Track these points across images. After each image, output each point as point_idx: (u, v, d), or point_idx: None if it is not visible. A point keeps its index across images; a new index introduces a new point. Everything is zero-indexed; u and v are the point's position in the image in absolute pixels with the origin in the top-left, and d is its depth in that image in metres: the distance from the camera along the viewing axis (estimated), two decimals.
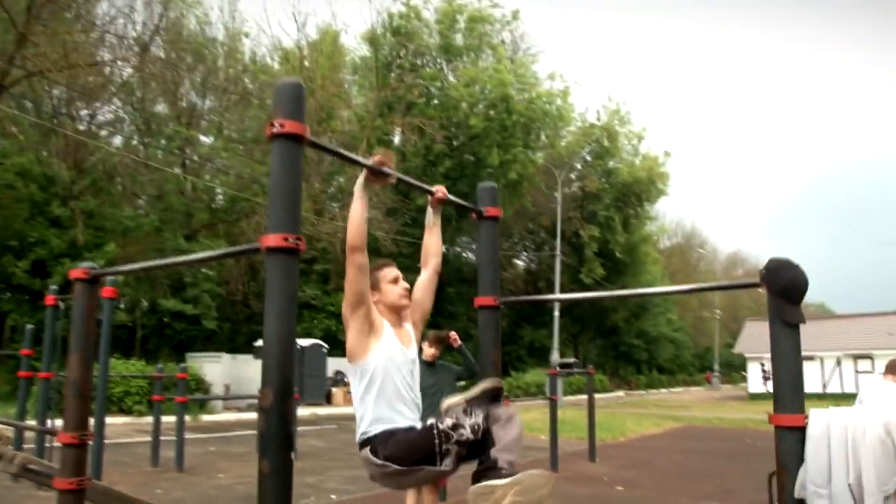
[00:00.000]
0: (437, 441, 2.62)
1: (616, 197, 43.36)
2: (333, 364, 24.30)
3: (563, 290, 33.61)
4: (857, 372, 32.57)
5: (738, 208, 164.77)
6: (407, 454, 2.64)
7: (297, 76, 26.32)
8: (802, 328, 2.72)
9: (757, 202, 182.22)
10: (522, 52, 40.84)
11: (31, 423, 9.76)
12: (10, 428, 8.87)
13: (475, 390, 2.95)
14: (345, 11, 45.56)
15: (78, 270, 3.24)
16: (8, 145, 21.67)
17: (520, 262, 46.75)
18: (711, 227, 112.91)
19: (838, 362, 33.31)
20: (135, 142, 28.49)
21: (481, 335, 3.44)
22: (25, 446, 8.80)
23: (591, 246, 40.81)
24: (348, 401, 23.39)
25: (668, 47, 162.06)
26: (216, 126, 30.45)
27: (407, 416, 2.79)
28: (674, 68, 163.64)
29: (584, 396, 14.15)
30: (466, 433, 2.64)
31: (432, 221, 3.28)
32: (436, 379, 5.76)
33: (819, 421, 2.56)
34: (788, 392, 2.68)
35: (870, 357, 32.21)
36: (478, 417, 2.69)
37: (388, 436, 2.70)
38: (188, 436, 10.84)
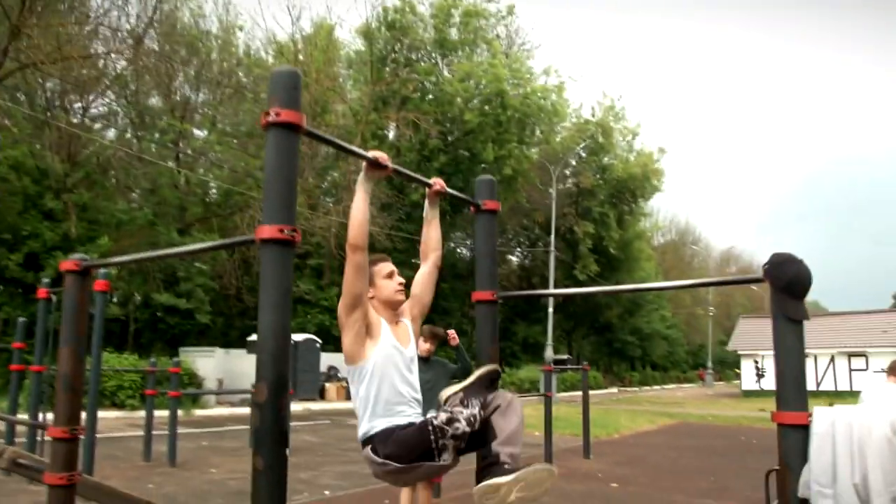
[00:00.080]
0: (432, 437, 2.59)
1: (610, 193, 43.39)
2: (327, 359, 24.24)
3: (557, 287, 33.59)
4: (851, 370, 32.64)
5: (733, 205, 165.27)
6: (405, 451, 2.63)
7: None
8: None
9: (751, 199, 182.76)
10: (517, 47, 40.86)
11: (23, 416, 9.70)
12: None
13: (471, 378, 2.95)
14: (339, 5, 45.62)
15: (69, 262, 3.19)
16: (1, 138, 21.53)
17: (514, 258, 46.76)
18: (705, 224, 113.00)
19: (832, 360, 33.37)
20: (128, 135, 28.34)
21: (479, 330, 3.40)
22: (17, 440, 8.76)
23: (586, 242, 40.80)
24: (342, 396, 23.38)
25: (662, 43, 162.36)
26: (210, 120, 30.34)
27: (407, 413, 2.78)
28: (668, 65, 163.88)
29: (577, 393, 14.16)
30: (462, 426, 2.60)
31: (430, 215, 3.25)
32: (430, 375, 5.72)
33: (823, 419, 2.51)
34: (792, 389, 2.63)
35: (864, 355, 32.30)
36: (474, 408, 2.65)
37: (388, 434, 2.69)
38: (181, 430, 10.80)
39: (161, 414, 11.56)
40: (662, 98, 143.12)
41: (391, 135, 32.97)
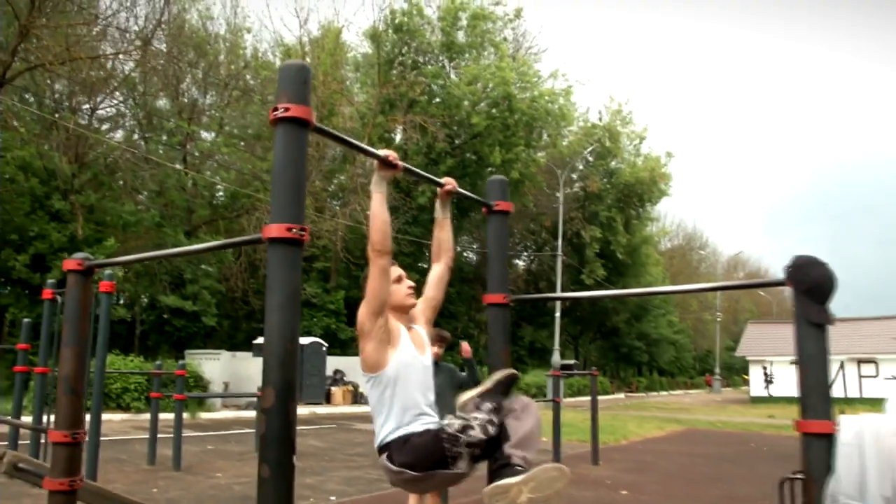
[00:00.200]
0: (446, 445, 2.53)
1: (618, 197, 43.27)
2: (333, 363, 24.18)
3: (564, 291, 33.47)
4: (860, 376, 32.42)
5: (739, 209, 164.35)
6: (420, 460, 2.57)
7: None
8: None
9: (756, 201, 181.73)
10: (525, 50, 40.79)
11: (26, 419, 9.65)
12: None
13: (487, 383, 2.88)
14: (347, 8, 45.58)
15: (71, 261, 3.13)
16: (9, 138, 21.55)
17: (521, 263, 46.66)
18: (713, 229, 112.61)
19: (842, 366, 33.15)
20: (136, 136, 28.38)
21: (490, 333, 3.33)
22: (21, 443, 8.70)
23: (593, 247, 40.70)
24: (348, 400, 23.30)
25: (670, 47, 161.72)
26: (217, 122, 30.34)
27: (423, 421, 2.72)
28: (676, 69, 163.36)
29: (584, 398, 14.05)
30: (476, 433, 2.53)
31: (441, 215, 3.21)
32: (439, 380, 5.62)
33: (850, 428, 2.43)
34: (816, 397, 2.55)
35: (874, 361, 32.10)
36: (489, 414, 2.59)
37: (403, 442, 2.64)
38: (186, 434, 10.74)
39: (166, 417, 11.53)
40: (670, 102, 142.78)
41: (398, 138, 32.87)
